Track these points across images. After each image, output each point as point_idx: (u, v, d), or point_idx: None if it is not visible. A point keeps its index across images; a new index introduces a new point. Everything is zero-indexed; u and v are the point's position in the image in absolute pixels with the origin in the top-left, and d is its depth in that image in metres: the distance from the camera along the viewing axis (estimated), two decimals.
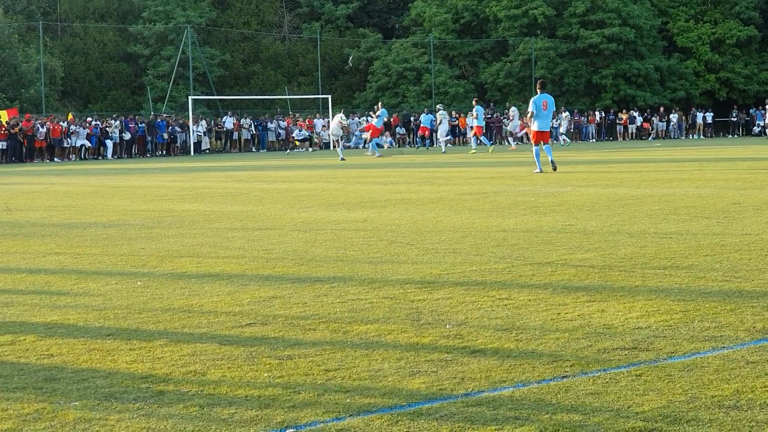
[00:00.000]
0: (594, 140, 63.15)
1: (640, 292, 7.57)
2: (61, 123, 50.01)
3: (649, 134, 65.19)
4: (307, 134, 54.27)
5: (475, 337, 6.29)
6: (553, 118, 57.24)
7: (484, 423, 4.55)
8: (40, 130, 48.42)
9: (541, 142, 24.49)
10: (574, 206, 14.94)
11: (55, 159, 48.81)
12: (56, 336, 6.70)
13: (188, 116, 55.56)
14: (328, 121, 53.14)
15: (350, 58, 73.73)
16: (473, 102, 45.66)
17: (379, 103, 45.48)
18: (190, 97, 56.71)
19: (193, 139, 54.94)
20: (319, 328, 6.69)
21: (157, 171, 34.47)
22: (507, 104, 60.03)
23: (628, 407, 4.70)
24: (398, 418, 4.65)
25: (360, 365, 5.66)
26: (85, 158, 50.55)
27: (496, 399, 4.91)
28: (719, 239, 10.51)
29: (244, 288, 8.38)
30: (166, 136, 54.61)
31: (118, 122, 52.75)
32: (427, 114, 52.07)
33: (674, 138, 64.32)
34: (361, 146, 38.97)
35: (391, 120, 62.63)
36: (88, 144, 51.00)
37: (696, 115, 66.92)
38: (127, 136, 52.96)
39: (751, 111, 67.18)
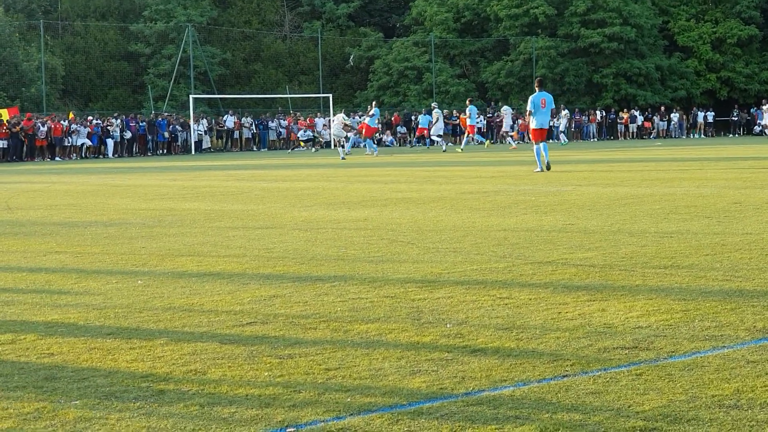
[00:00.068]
0: (595, 139, 63.16)
1: (640, 292, 7.57)
2: (61, 122, 50.01)
3: (650, 133, 65.19)
4: (312, 135, 54.25)
5: (476, 336, 6.29)
6: (553, 117, 57.43)
7: (484, 422, 4.55)
8: (41, 129, 48.43)
9: (539, 140, 24.52)
10: (574, 205, 14.94)
11: (56, 158, 48.82)
12: (57, 335, 6.71)
13: (189, 115, 55.56)
14: (329, 120, 53.13)
15: (351, 57, 73.71)
16: (467, 102, 45.90)
17: (373, 103, 45.57)
18: (191, 96, 56.72)
19: (194, 138, 54.94)
20: (320, 327, 6.69)
21: (157, 170, 34.47)
22: (499, 104, 60.06)
23: (629, 406, 4.70)
24: (399, 417, 4.65)
25: (360, 364, 5.66)
26: (85, 157, 50.55)
27: (496, 398, 4.91)
28: (720, 238, 10.50)
29: (245, 287, 8.38)
30: (167, 134, 54.61)
31: (119, 121, 52.75)
32: (424, 115, 52.19)
33: (675, 137, 64.30)
34: (362, 145, 39.09)
35: (393, 119, 62.73)
36: (88, 143, 51.01)
37: (697, 115, 66.90)
38: (128, 134, 52.97)
39: (751, 110, 67.15)
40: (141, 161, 45.27)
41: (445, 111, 57.36)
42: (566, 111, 58.02)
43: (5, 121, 47.94)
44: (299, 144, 53.50)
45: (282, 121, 59.85)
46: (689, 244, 10.11)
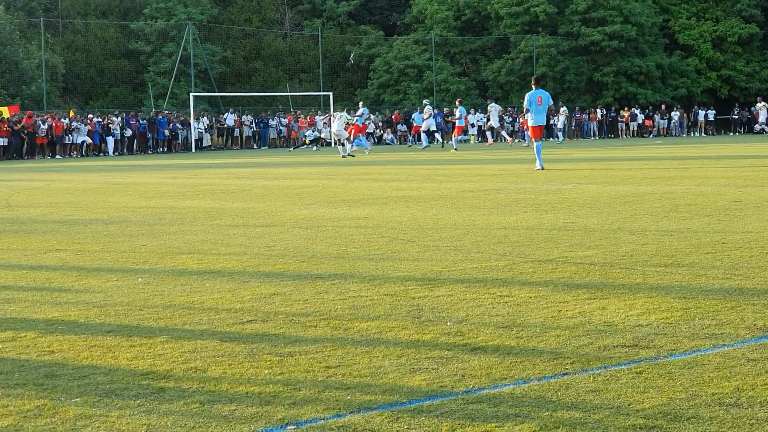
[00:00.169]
0: (596, 138, 63.18)
1: (640, 290, 7.57)
2: (62, 120, 50.02)
3: (651, 132, 65.20)
4: (316, 134, 54.21)
5: (476, 334, 6.29)
6: (555, 115, 57.48)
7: (484, 420, 4.55)
8: (42, 126, 48.43)
9: (536, 138, 24.78)
10: (575, 204, 14.94)
11: (57, 156, 48.83)
12: (57, 333, 6.71)
13: (189, 113, 55.57)
14: (330, 118, 53.14)
15: (351, 55, 73.72)
16: (456, 102, 46.13)
17: (360, 103, 45.78)
18: (191, 94, 56.75)
19: (194, 136, 54.95)
20: (320, 325, 6.69)
21: (158, 168, 34.48)
22: (487, 101, 60.13)
23: (629, 405, 4.70)
24: (399, 415, 4.65)
25: (361, 362, 5.66)
26: (86, 155, 50.56)
27: (496, 396, 4.92)
28: (720, 237, 10.50)
29: (245, 285, 8.38)
30: (167, 132, 54.63)
31: (119, 119, 52.77)
32: (419, 113, 52.33)
33: (676, 136, 64.31)
34: (353, 147, 39.31)
35: (393, 117, 62.75)
36: (89, 140, 51.02)
37: (698, 113, 66.89)
38: (129, 132, 52.98)
39: (752, 109, 67.14)
40: (141, 159, 45.28)
41: (445, 109, 57.46)
42: (564, 108, 58.07)
43: (6, 119, 47.96)
44: (305, 142, 53.53)
45: (282, 119, 59.87)
46: (689, 243, 10.11)
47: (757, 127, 63.35)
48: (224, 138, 59.07)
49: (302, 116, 60.39)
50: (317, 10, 77.98)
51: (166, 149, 54.66)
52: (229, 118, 58.46)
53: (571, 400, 4.81)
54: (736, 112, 67.72)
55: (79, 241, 12.04)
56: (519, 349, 5.88)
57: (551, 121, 57.89)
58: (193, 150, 54.10)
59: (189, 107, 55.98)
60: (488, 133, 51.78)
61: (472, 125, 59.79)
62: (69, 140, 50.18)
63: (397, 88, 70.99)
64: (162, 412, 4.80)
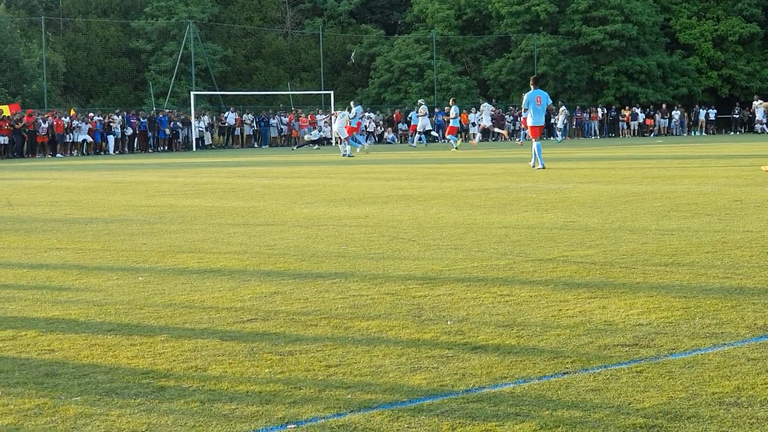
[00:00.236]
0: (597, 137, 63.19)
1: (641, 289, 7.57)
2: (62, 118, 50.04)
3: (651, 131, 65.19)
4: (321, 135, 54.17)
5: (477, 333, 6.29)
6: (555, 114, 57.54)
7: (484, 419, 4.55)
8: (42, 125, 48.44)
9: (535, 137, 25.08)
10: (575, 203, 14.94)
11: (58, 154, 48.83)
12: (57, 331, 6.71)
13: (190, 112, 55.57)
14: (331, 118, 53.17)
15: (352, 54, 73.70)
16: (450, 102, 46.29)
17: (351, 102, 45.89)
18: (192, 93, 56.74)
19: (195, 135, 54.96)
20: (321, 324, 6.69)
21: (158, 166, 34.49)
22: (480, 100, 60.19)
23: (629, 404, 4.71)
24: (399, 414, 4.65)
25: (361, 361, 5.66)
26: (86, 153, 50.57)
27: (496, 395, 4.92)
28: (720, 236, 10.50)
29: (246, 284, 8.38)
30: (167, 131, 54.63)
31: (120, 117, 52.77)
32: (416, 113, 52.46)
33: (676, 135, 64.30)
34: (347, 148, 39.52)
35: (394, 116, 62.75)
36: (89, 139, 51.03)
37: (699, 112, 66.87)
38: (129, 131, 52.98)
39: (753, 108, 67.09)
40: (142, 158, 45.28)
41: (446, 108, 57.47)
42: (563, 108, 58.17)
43: (7, 117, 47.98)
44: (310, 143, 53.52)
45: (283, 118, 59.86)
46: (690, 242, 10.10)
47: (758, 127, 63.30)
48: (225, 137, 59.07)
49: (303, 115, 60.38)
50: (318, 8, 77.95)
51: (166, 148, 54.67)
52: (230, 117, 58.45)
53: (571, 399, 4.82)
54: (736, 112, 67.68)
55: (80, 240, 12.04)
56: (519, 348, 5.88)
57: (551, 120, 58.01)
58: (194, 149, 54.10)
59: (190, 106, 55.98)
60: (478, 134, 52.00)
61: (473, 124, 59.85)
62: (70, 139, 50.19)
63: (398, 87, 70.96)
64: (162, 411, 4.80)
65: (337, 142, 42.18)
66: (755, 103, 58.97)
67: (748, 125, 66.81)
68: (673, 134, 64.82)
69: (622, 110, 66.17)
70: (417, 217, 13.47)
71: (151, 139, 54.30)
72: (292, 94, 65.57)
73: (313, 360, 5.72)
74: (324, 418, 4.63)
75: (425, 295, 7.61)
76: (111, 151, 51.58)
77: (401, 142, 59.21)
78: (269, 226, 13.07)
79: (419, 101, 51.12)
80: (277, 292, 7.93)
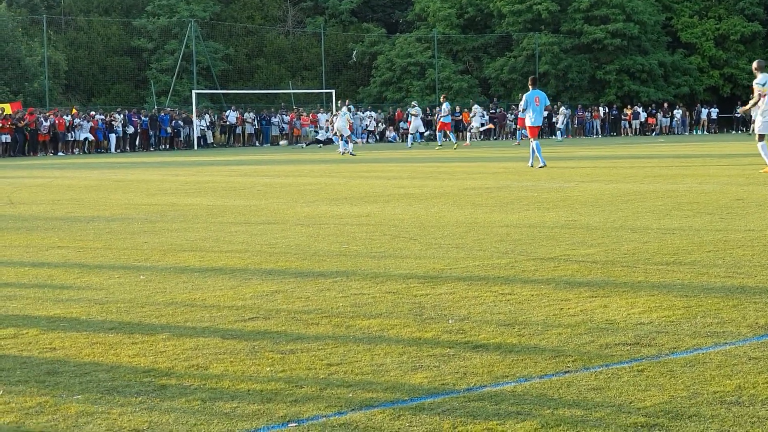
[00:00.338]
0: (598, 136, 63.18)
1: (642, 288, 7.56)
2: (64, 117, 50.06)
3: (653, 130, 65.18)
4: (327, 135, 54.11)
5: (478, 332, 6.29)
6: (555, 114, 57.58)
7: (485, 418, 4.55)
8: (44, 123, 48.47)
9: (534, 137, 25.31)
10: (577, 202, 14.94)
11: (59, 153, 48.85)
12: (59, 329, 6.71)
13: (192, 110, 55.59)
14: (332, 116, 53.22)
15: (354, 52, 73.70)
16: (441, 99, 46.45)
17: (339, 102, 46.03)
18: (193, 91, 56.78)
19: (196, 134, 54.97)
20: (322, 323, 6.69)
21: (160, 165, 34.49)
22: (470, 101, 60.25)
23: (630, 402, 4.70)
24: (400, 413, 4.65)
25: (362, 360, 5.66)
26: (88, 152, 50.59)
27: (498, 394, 4.91)
28: (722, 235, 10.50)
29: (247, 282, 8.38)
30: (169, 130, 54.64)
31: (121, 116, 52.80)
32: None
33: (678, 134, 64.29)
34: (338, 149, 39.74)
35: (395, 115, 62.76)
36: (91, 137, 51.06)
37: (700, 111, 66.85)
38: (131, 129, 53.00)
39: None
40: (143, 156, 45.30)
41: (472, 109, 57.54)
42: (563, 108, 58.29)
43: (9, 116, 48.01)
44: (315, 141, 53.53)
45: (285, 116, 59.86)
46: (691, 241, 10.10)
47: None
48: (226, 135, 59.09)
49: (304, 114, 60.40)
50: (320, 7, 77.97)
51: (168, 146, 54.69)
52: (231, 116, 58.45)
53: (572, 398, 4.81)
54: (737, 111, 67.62)
55: (81, 238, 12.04)
56: (521, 347, 5.88)
57: (552, 120, 58.11)
58: (195, 147, 54.11)
59: (191, 104, 56.00)
60: (468, 135, 52.31)
61: (482, 123, 59.77)
62: (71, 137, 50.22)
63: (400, 85, 70.98)
64: (163, 410, 4.80)
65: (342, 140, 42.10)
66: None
67: (749, 124, 66.73)
68: (674, 133, 64.83)
69: (624, 109, 66.16)
70: (418, 216, 13.46)
71: (153, 138, 54.32)
72: (293, 93, 65.56)
73: (314, 359, 5.72)
74: (325, 416, 4.63)
75: (426, 293, 7.61)
76: (112, 150, 51.60)
77: (402, 141, 59.21)
78: (270, 224, 13.07)
79: (413, 102, 51.27)
80: (278, 290, 7.93)
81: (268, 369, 5.52)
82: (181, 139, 55.58)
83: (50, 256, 10.58)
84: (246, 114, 59.17)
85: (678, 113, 66.25)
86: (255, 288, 8.08)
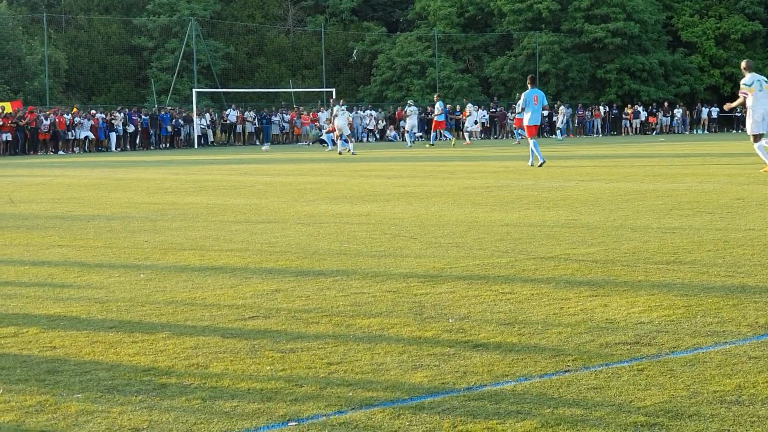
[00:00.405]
0: (599, 135, 63.19)
1: (642, 287, 7.56)
2: (64, 115, 50.06)
3: (653, 129, 65.17)
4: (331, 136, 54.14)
5: (478, 331, 6.29)
6: (556, 113, 57.59)
7: (486, 417, 4.55)
8: (44, 122, 48.47)
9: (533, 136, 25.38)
10: (577, 201, 14.94)
11: (60, 151, 48.85)
12: (59, 328, 6.71)
13: (192, 109, 55.58)
14: (332, 115, 53.22)
15: (354, 51, 73.69)
16: (434, 97, 46.48)
17: (330, 101, 46.07)
18: (193, 90, 56.76)
19: (196, 132, 54.96)
20: (322, 322, 6.69)
21: (160, 164, 34.49)
22: (464, 101, 60.25)
23: (630, 402, 4.70)
24: (400, 412, 4.65)
25: (362, 359, 5.66)
26: (88, 150, 50.59)
27: (498, 393, 4.91)
28: (722, 234, 10.50)
29: (247, 281, 8.38)
30: (169, 128, 54.64)
31: (122, 115, 52.80)
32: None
33: (678, 133, 64.28)
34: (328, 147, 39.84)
35: (395, 114, 62.76)
36: (92, 136, 51.07)
37: (701, 111, 66.84)
38: (131, 128, 53.00)
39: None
40: (144, 155, 45.30)
41: (448, 106, 57.59)
42: (562, 107, 58.36)
43: (10, 114, 48.02)
44: (319, 140, 53.57)
45: (285, 115, 59.86)
46: (692, 240, 10.10)
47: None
48: (227, 134, 59.08)
49: (305, 112, 60.39)
50: (320, 6, 77.97)
51: (168, 145, 54.68)
52: (232, 115, 58.45)
53: (572, 397, 4.81)
54: (738, 110, 67.59)
55: (82, 237, 12.05)
56: (521, 346, 5.88)
57: (553, 119, 58.15)
58: (196, 146, 54.10)
59: (191, 103, 56.00)
60: (466, 134, 52.44)
61: (475, 122, 59.87)
62: (72, 135, 50.22)
63: (400, 84, 70.98)
64: (163, 408, 4.80)
65: (338, 138, 42.09)
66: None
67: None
68: (675, 132, 64.83)
69: (626, 108, 66.16)
70: (418, 215, 13.46)
71: (153, 137, 54.32)
72: (293, 92, 65.56)
73: (314, 358, 5.72)
74: (325, 415, 4.63)
75: (427, 292, 7.61)
76: (113, 149, 51.60)
77: (402, 140, 59.21)
78: (271, 223, 13.07)
79: (409, 101, 51.31)
80: (278, 289, 7.94)
81: (268, 368, 5.52)
82: (182, 137, 55.57)
83: (50, 254, 10.58)
84: (246, 113, 59.15)
85: (678, 112, 66.24)
86: (255, 287, 8.08)
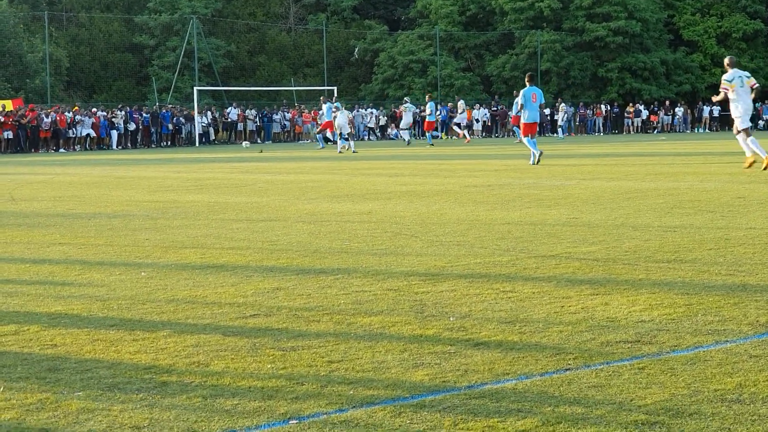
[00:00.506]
0: (600, 133, 63.17)
1: (643, 286, 7.56)
2: (65, 113, 50.07)
3: (655, 128, 65.13)
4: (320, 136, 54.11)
5: (479, 329, 6.29)
6: (558, 113, 57.58)
7: (486, 415, 4.55)
8: (45, 120, 48.48)
9: (530, 134, 25.35)
10: (578, 199, 14.94)
11: (61, 150, 48.86)
12: (60, 326, 6.71)
13: (193, 107, 55.57)
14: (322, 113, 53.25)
15: (356, 49, 73.67)
16: (426, 97, 46.49)
17: (321, 98, 46.08)
18: (195, 88, 56.73)
19: (197, 130, 54.96)
20: (323, 320, 6.69)
21: (161, 162, 34.50)
22: (455, 97, 60.23)
23: (631, 400, 4.70)
24: (401, 410, 4.65)
25: (363, 357, 5.66)
26: (89, 148, 50.60)
27: (498, 391, 4.92)
28: (723, 233, 10.49)
29: (248, 279, 8.39)
30: (170, 126, 54.63)
31: (123, 113, 52.80)
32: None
33: (679, 132, 64.25)
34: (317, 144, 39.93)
35: (396, 112, 62.74)
36: (93, 134, 51.08)
37: (702, 109, 66.80)
38: (132, 126, 53.00)
39: (756, 105, 66.98)
40: (145, 153, 45.31)
41: (449, 104, 57.63)
42: (563, 105, 58.33)
43: (12, 112, 48.03)
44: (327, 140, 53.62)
45: (286, 113, 59.84)
46: (693, 239, 10.10)
47: (761, 123, 63.23)
48: (228, 132, 59.06)
49: (306, 111, 60.38)
50: (322, 4, 77.94)
51: (169, 143, 54.67)
52: (233, 113, 58.43)
53: (573, 395, 4.82)
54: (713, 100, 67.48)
55: (83, 235, 12.05)
56: (522, 344, 5.88)
57: (555, 117, 58.13)
58: (197, 144, 54.10)
59: (193, 101, 55.99)
60: (464, 131, 52.54)
61: (477, 120, 59.95)
62: (73, 133, 50.23)
63: (402, 83, 70.95)
64: (164, 406, 4.81)
65: (339, 137, 42.11)
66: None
67: (751, 122, 66.72)
68: (676, 131, 64.77)
69: (628, 107, 66.13)
70: (420, 213, 13.47)
71: (154, 135, 54.31)
72: (295, 90, 65.54)
73: (315, 356, 5.72)
74: (326, 413, 4.64)
75: (428, 291, 7.61)
76: (114, 147, 51.60)
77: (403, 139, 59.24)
78: (272, 221, 13.07)
79: (405, 99, 51.29)
80: (279, 287, 7.94)
81: (269, 366, 5.52)
82: (183, 136, 55.56)
83: (51, 252, 10.58)
84: (248, 111, 59.13)
85: (680, 111, 66.17)
86: (256, 285, 8.08)
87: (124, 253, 10.35)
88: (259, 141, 58.01)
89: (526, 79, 26.23)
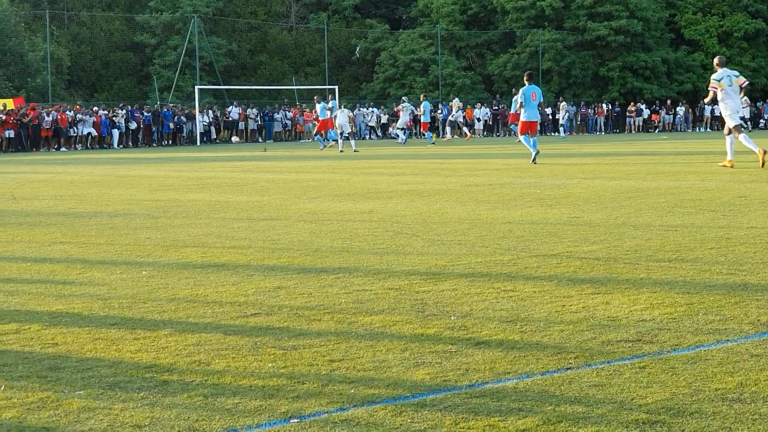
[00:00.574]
0: (602, 133, 63.15)
1: (644, 285, 7.56)
2: (67, 112, 50.09)
3: (656, 127, 65.11)
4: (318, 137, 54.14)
5: (480, 328, 6.29)
6: (560, 112, 57.58)
7: (487, 414, 4.55)
8: (46, 119, 48.50)
9: (528, 132, 25.39)
10: (579, 198, 14.93)
11: (62, 148, 48.87)
12: (61, 325, 6.72)
13: (194, 106, 55.59)
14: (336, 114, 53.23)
15: (357, 48, 73.66)
16: (421, 97, 46.51)
17: (315, 97, 46.10)
18: (196, 87, 56.74)
19: (199, 129, 54.97)
20: (324, 319, 6.69)
21: (162, 161, 34.50)
22: (450, 96, 60.25)
23: (632, 399, 4.70)
24: (402, 409, 4.65)
25: (364, 356, 5.66)
26: (90, 147, 50.61)
27: (499, 390, 4.92)
28: (724, 232, 10.49)
29: (249, 278, 8.39)
30: (172, 125, 54.64)
31: (124, 111, 52.81)
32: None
33: (681, 131, 64.23)
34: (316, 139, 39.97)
35: (397, 111, 62.75)
36: (94, 132, 51.09)
37: (704, 108, 66.77)
38: (133, 125, 53.01)
39: (758, 104, 66.99)
40: (146, 152, 45.31)
41: (450, 104, 57.62)
42: (564, 103, 58.33)
43: (14, 111, 48.05)
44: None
45: (287, 112, 59.84)
46: (694, 238, 10.10)
47: (762, 122, 63.20)
48: (229, 131, 59.07)
49: (307, 110, 60.38)
50: (323, 3, 77.96)
51: (170, 142, 54.68)
52: (234, 112, 58.43)
53: (574, 394, 4.81)
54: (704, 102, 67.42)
55: (84, 234, 12.05)
56: (523, 343, 5.88)
57: (556, 116, 58.13)
58: (198, 143, 54.10)
59: (194, 100, 56.01)
60: (447, 128, 52.58)
61: (478, 119, 59.98)
62: (74, 132, 50.24)
63: (403, 82, 70.96)
64: (165, 405, 4.81)
65: (340, 137, 42.10)
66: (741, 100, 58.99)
67: (752, 122, 66.68)
68: (677, 130, 64.75)
69: (630, 106, 66.12)
70: (421, 212, 13.46)
71: (155, 134, 54.32)
72: (296, 89, 65.54)
73: (316, 355, 5.72)
74: (327, 412, 4.64)
75: (429, 290, 7.61)
76: (115, 145, 51.61)
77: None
78: (273, 220, 13.07)
79: (403, 98, 51.32)
80: (280, 286, 7.94)
81: (270, 365, 5.52)
82: (184, 134, 55.57)
83: (52, 251, 10.59)
84: (249, 110, 59.13)
85: (681, 110, 66.16)
86: (257, 284, 8.08)
87: (125, 252, 10.36)
88: (260, 140, 58.01)
89: (525, 78, 26.27)
